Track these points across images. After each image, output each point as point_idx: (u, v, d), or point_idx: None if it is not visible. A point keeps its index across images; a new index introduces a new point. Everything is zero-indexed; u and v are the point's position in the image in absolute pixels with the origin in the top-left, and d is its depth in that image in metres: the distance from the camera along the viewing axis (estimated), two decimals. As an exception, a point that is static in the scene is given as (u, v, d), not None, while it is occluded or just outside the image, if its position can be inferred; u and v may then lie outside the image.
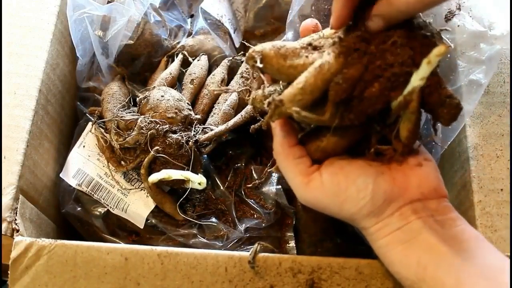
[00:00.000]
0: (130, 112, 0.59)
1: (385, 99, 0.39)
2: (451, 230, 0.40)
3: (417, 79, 0.37)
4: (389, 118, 0.42)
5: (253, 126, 0.51)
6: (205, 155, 0.60)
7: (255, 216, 0.60)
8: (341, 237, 0.61)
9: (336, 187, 0.42)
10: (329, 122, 0.40)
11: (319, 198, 0.43)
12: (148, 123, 0.56)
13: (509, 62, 0.54)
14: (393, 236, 0.41)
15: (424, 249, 0.39)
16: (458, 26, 0.54)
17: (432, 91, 0.40)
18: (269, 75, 0.43)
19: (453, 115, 0.41)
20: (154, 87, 0.60)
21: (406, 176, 0.42)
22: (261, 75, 0.40)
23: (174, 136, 0.56)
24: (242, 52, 0.70)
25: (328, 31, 0.43)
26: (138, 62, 0.65)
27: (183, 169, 0.56)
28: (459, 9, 0.55)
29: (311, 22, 0.46)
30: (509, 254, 0.45)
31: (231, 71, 0.65)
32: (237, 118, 0.59)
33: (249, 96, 0.44)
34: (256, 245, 0.47)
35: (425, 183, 0.42)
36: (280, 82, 0.43)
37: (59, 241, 0.48)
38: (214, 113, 0.61)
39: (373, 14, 0.39)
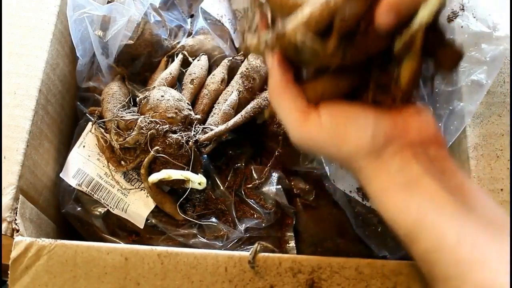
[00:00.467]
0: (130, 112, 0.59)
1: (389, 36, 0.38)
2: (452, 179, 0.39)
3: (425, 14, 0.36)
4: (389, 62, 0.41)
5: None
6: (205, 155, 0.60)
7: (255, 216, 0.60)
8: (341, 237, 0.61)
9: (335, 127, 0.40)
10: (331, 57, 0.39)
11: (315, 138, 0.41)
12: (148, 123, 0.56)
13: (509, 62, 0.54)
14: (392, 179, 0.39)
15: (425, 195, 0.37)
16: (462, 27, 0.54)
17: (434, 35, 0.39)
18: (270, 10, 0.42)
19: (454, 61, 0.40)
20: (154, 87, 0.60)
21: (406, 121, 0.41)
22: (260, 14, 0.39)
23: (174, 136, 0.56)
24: (242, 52, 0.70)
25: None
26: (138, 62, 0.65)
27: (183, 169, 0.56)
28: (462, 9, 0.55)
29: None
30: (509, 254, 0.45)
31: (231, 71, 0.65)
32: (237, 118, 0.59)
33: (243, 42, 0.43)
34: (256, 245, 0.47)
35: (425, 129, 0.41)
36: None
37: (59, 241, 0.48)
38: (214, 113, 0.61)
39: None
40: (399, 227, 0.38)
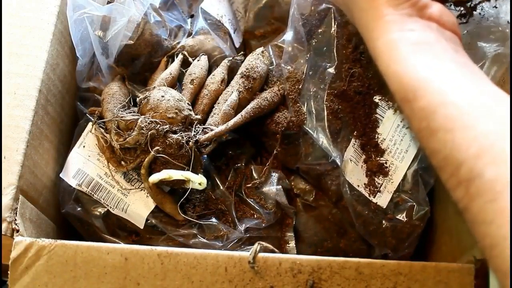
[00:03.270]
0: (130, 112, 0.59)
1: None
2: (462, 58, 0.40)
3: None
4: None
5: None
6: (205, 155, 0.60)
7: (255, 216, 0.60)
8: (341, 237, 0.61)
9: None
10: None
11: None
12: (149, 123, 0.56)
13: (509, 62, 0.53)
14: (405, 34, 0.40)
15: (436, 57, 0.38)
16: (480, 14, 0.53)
17: None
18: None
19: None
20: (154, 87, 0.60)
21: (430, 2, 0.42)
22: None
23: (175, 136, 0.56)
24: (242, 52, 0.70)
25: None
26: (138, 62, 0.65)
27: (183, 169, 0.56)
28: None
29: None
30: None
31: (231, 71, 0.65)
32: (237, 118, 0.59)
33: None
34: (256, 245, 0.47)
35: (446, 15, 0.42)
36: None
37: (59, 241, 0.48)
38: (214, 113, 0.61)
39: None
40: (402, 82, 0.38)
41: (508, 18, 0.52)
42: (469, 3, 0.48)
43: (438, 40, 0.40)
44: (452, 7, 0.50)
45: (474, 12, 0.51)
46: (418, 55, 0.39)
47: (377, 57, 0.42)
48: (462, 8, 0.51)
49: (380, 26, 0.41)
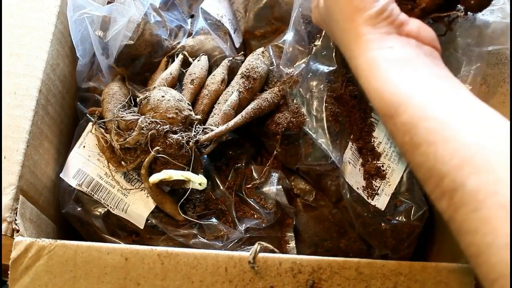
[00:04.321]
0: (130, 112, 0.59)
1: None
2: (442, 71, 0.41)
3: None
4: None
5: None
6: (205, 155, 0.60)
7: (255, 216, 0.60)
8: (341, 237, 0.61)
9: None
10: None
11: None
12: (149, 123, 0.56)
13: (509, 62, 0.53)
14: (384, 52, 0.41)
15: (416, 73, 0.39)
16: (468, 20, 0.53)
17: None
18: None
19: (482, 5, 0.44)
20: (154, 87, 0.60)
21: (408, 19, 0.43)
22: None
23: (175, 136, 0.56)
24: (242, 52, 0.70)
25: None
26: (138, 62, 0.65)
27: (183, 169, 0.56)
28: None
29: None
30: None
31: (231, 71, 0.65)
32: (237, 118, 0.59)
33: None
34: (256, 245, 0.47)
35: (425, 30, 0.43)
36: None
37: (59, 241, 0.48)
38: (214, 114, 0.61)
39: None
40: (383, 99, 0.39)
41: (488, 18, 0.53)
42: (446, 19, 0.49)
43: (417, 55, 0.41)
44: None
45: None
46: (398, 71, 0.39)
47: (358, 76, 0.43)
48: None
49: (360, 45, 0.42)
